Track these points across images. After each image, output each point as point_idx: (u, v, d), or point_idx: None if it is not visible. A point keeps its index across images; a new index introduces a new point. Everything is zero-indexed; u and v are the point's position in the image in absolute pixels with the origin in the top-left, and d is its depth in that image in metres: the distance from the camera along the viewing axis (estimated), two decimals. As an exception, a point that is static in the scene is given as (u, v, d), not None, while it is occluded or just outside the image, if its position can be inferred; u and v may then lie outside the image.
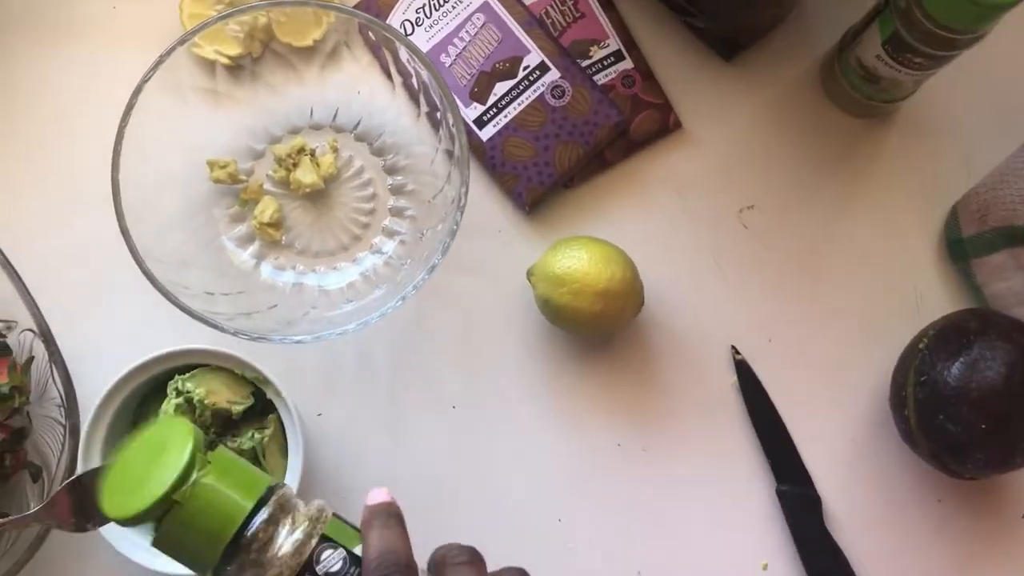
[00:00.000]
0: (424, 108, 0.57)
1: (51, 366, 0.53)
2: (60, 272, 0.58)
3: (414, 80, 0.56)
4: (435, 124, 0.57)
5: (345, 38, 0.57)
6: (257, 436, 0.52)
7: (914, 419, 0.53)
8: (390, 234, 0.59)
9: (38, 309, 0.53)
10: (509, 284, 0.59)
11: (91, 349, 0.56)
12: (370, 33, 0.56)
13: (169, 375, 0.53)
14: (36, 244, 0.59)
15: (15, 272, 0.53)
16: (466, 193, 0.53)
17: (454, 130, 0.53)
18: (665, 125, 0.60)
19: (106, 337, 0.58)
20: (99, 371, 0.53)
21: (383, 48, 0.57)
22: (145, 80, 0.52)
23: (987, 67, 0.62)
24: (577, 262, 0.54)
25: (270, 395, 0.52)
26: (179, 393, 0.52)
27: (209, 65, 0.56)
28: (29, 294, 0.53)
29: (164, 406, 0.52)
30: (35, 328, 0.54)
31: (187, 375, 0.52)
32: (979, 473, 0.53)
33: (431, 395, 0.58)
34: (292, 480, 0.51)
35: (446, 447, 0.58)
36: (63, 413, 0.53)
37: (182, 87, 0.55)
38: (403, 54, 0.55)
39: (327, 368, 0.59)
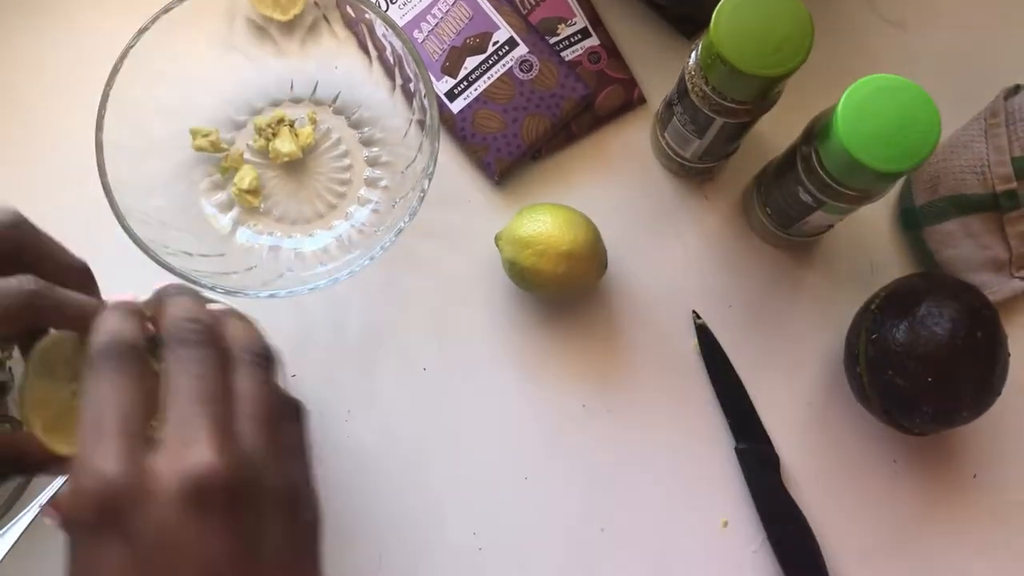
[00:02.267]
0: (399, 81, 0.60)
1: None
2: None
3: (389, 54, 0.59)
4: (408, 97, 0.60)
5: (324, 12, 0.60)
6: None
7: (866, 376, 0.55)
8: (364, 203, 0.61)
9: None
10: (478, 252, 0.61)
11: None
12: (348, 8, 0.59)
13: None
14: (23, 207, 0.60)
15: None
16: (435, 161, 0.55)
17: (426, 101, 0.56)
18: (629, 100, 0.62)
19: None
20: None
21: (360, 23, 0.59)
22: (130, 47, 0.54)
23: (939, 42, 0.65)
24: (542, 225, 0.56)
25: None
26: None
27: (193, 37, 0.59)
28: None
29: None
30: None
31: None
32: (927, 427, 0.54)
33: (402, 358, 0.60)
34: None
35: (416, 408, 0.60)
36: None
37: (166, 57, 0.57)
38: (379, 28, 0.57)
39: (302, 332, 0.61)
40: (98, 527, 0.29)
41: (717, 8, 0.47)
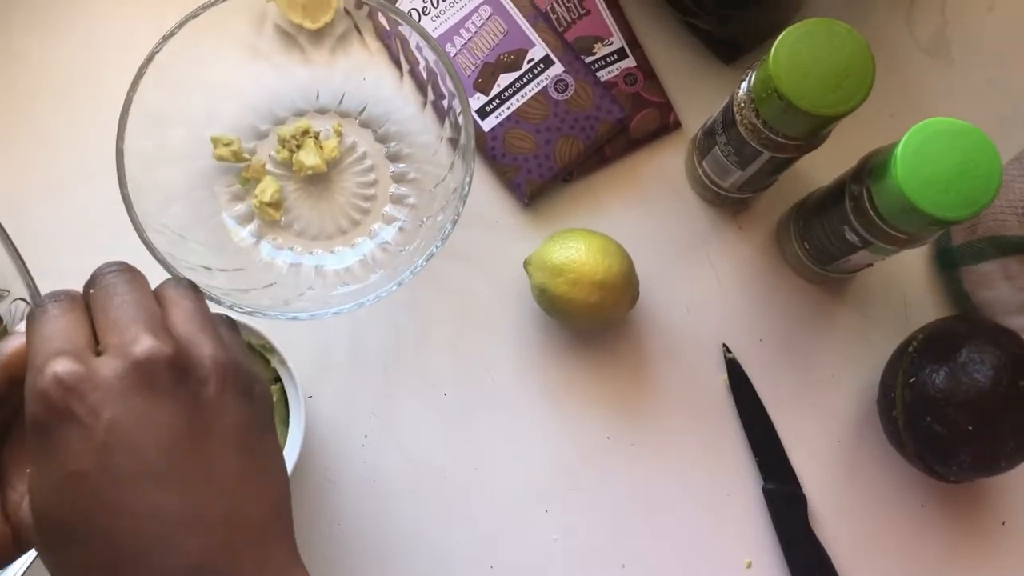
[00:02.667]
0: (431, 97, 0.58)
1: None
2: (57, 243, 0.58)
3: (422, 68, 0.57)
4: (440, 114, 0.58)
5: (356, 22, 0.57)
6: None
7: (902, 420, 0.54)
8: (389, 220, 0.59)
9: (32, 279, 0.53)
10: (505, 275, 0.59)
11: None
12: (381, 18, 0.57)
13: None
14: (34, 213, 0.58)
15: (10, 241, 0.53)
16: (470, 182, 0.53)
17: (460, 119, 0.54)
18: (665, 124, 0.61)
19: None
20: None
21: (393, 36, 0.57)
22: (155, 52, 0.52)
23: (981, 78, 0.64)
24: (575, 252, 0.55)
25: (275, 364, 0.53)
26: None
27: (219, 43, 0.56)
28: (23, 262, 0.53)
29: None
30: (28, 298, 0.54)
31: None
32: (963, 476, 0.53)
33: (423, 382, 0.58)
34: (292, 447, 0.51)
35: (436, 434, 0.58)
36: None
37: (191, 63, 0.55)
38: (413, 41, 0.55)
39: (320, 352, 0.59)
40: (51, 417, 0.29)
41: (776, 42, 0.45)
